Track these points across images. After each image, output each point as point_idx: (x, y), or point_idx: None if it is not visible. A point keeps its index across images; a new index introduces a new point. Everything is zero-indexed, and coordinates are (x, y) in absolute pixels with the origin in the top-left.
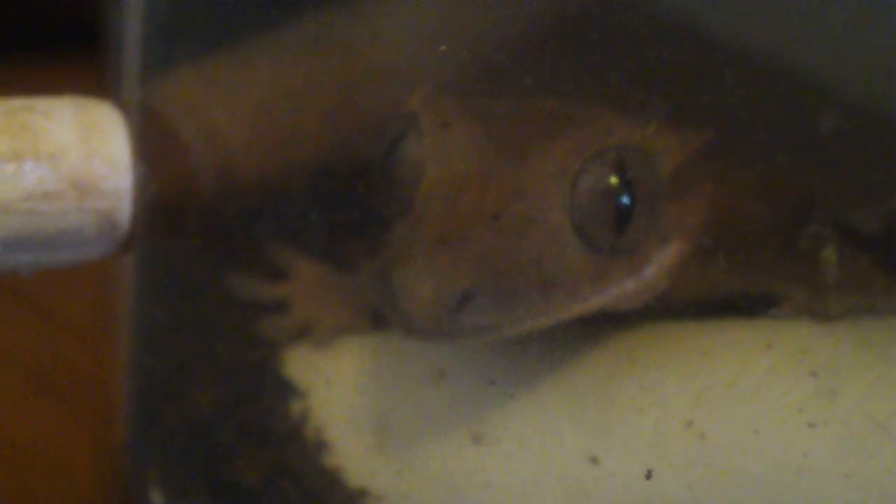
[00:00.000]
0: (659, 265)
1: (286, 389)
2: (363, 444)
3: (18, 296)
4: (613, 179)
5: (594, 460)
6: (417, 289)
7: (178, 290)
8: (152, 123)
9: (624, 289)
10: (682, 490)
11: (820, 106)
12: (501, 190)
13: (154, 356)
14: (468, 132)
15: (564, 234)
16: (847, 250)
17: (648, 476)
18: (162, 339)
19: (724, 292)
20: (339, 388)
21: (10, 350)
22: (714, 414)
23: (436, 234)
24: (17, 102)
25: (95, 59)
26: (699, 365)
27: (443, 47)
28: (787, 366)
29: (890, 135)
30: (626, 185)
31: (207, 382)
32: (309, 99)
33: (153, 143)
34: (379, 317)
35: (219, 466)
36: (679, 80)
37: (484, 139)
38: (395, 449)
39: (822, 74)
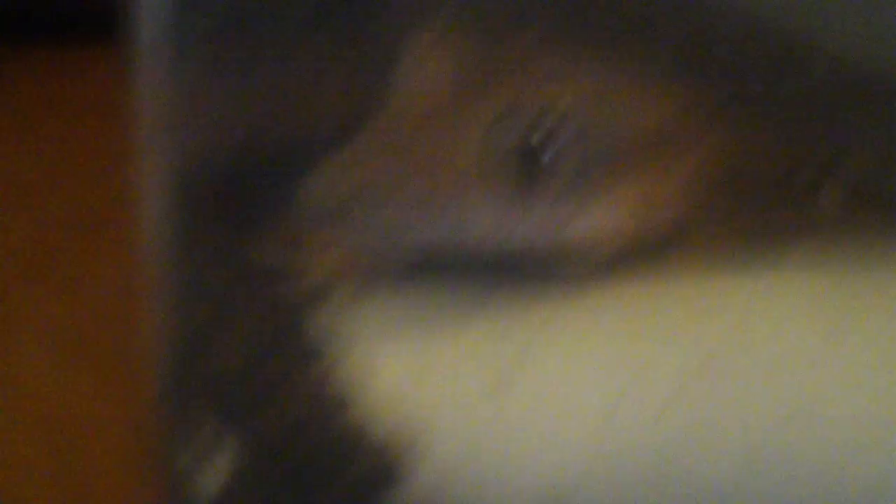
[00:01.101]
0: (587, 230)
1: (308, 352)
2: (385, 399)
3: (46, 270)
4: (526, 137)
5: (612, 407)
6: (304, 194)
7: (202, 256)
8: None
9: (535, 244)
10: (699, 435)
11: (810, 56)
12: (413, 127)
13: (177, 324)
14: (438, 72)
15: (471, 180)
16: (848, 195)
17: (664, 422)
18: (185, 306)
19: (734, 241)
20: (360, 347)
21: (40, 323)
22: (729, 361)
23: (352, 151)
24: None
25: (114, 42)
26: (714, 315)
27: None
28: (799, 313)
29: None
30: (540, 145)
31: (228, 349)
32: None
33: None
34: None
35: (245, 423)
36: (676, 34)
37: (446, 80)
38: (417, 404)
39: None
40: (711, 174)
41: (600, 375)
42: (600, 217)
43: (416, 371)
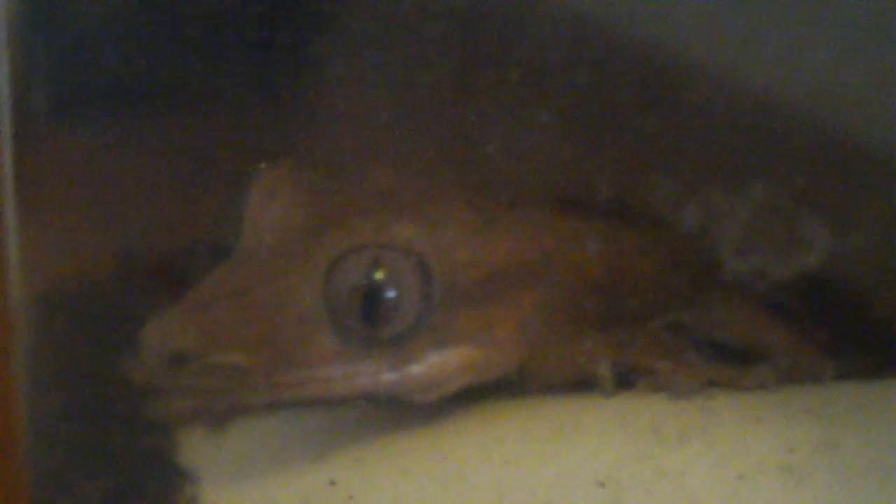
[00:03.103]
0: (432, 366)
1: (178, 474)
2: None
3: None
4: (366, 276)
5: None
6: (146, 340)
7: (72, 378)
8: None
9: (381, 380)
10: None
11: None
12: (257, 268)
13: (47, 447)
14: (287, 206)
15: (315, 319)
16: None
17: None
18: (55, 428)
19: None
20: (228, 471)
21: None
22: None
23: (195, 296)
24: None
25: None
26: (558, 442)
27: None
28: (641, 441)
29: None
30: (382, 282)
31: (99, 471)
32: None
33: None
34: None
35: None
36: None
37: (293, 216)
38: None
39: None
40: (550, 309)
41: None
42: (446, 352)
43: (283, 499)
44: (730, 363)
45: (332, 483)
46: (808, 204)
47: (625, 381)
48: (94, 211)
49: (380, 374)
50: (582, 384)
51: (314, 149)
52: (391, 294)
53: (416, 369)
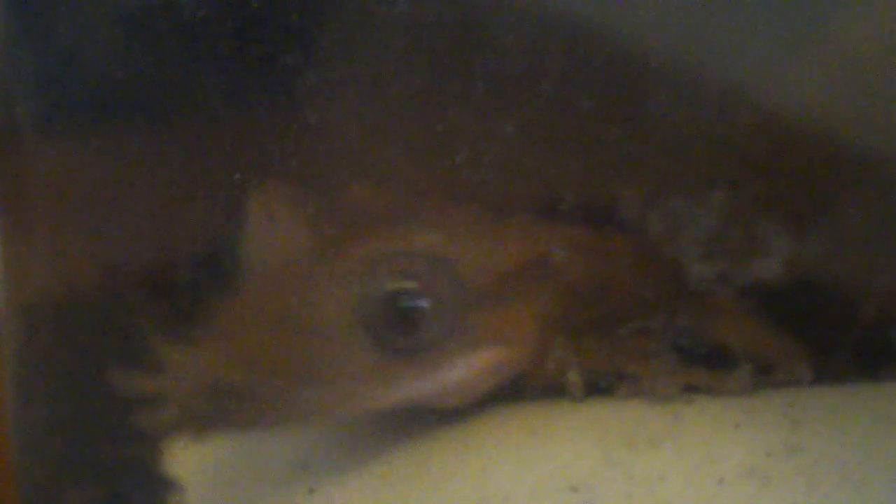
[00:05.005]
0: (465, 369)
1: (163, 483)
2: None
3: None
4: (400, 284)
5: None
6: (179, 372)
7: (58, 388)
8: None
9: (421, 389)
10: None
11: None
12: (291, 291)
13: (33, 457)
14: (290, 227)
15: (352, 334)
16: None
17: None
18: (41, 438)
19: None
20: (212, 480)
21: None
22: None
23: (223, 324)
24: None
25: None
26: (534, 448)
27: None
28: (619, 447)
29: None
30: (415, 290)
31: (85, 481)
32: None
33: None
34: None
35: None
36: None
37: (301, 235)
38: None
39: None
40: (568, 308)
41: None
42: (479, 354)
43: None
44: (709, 367)
45: (312, 491)
46: (788, 206)
47: (602, 386)
48: (80, 221)
49: (418, 383)
50: (556, 389)
51: (313, 163)
52: (423, 301)
53: (453, 374)
